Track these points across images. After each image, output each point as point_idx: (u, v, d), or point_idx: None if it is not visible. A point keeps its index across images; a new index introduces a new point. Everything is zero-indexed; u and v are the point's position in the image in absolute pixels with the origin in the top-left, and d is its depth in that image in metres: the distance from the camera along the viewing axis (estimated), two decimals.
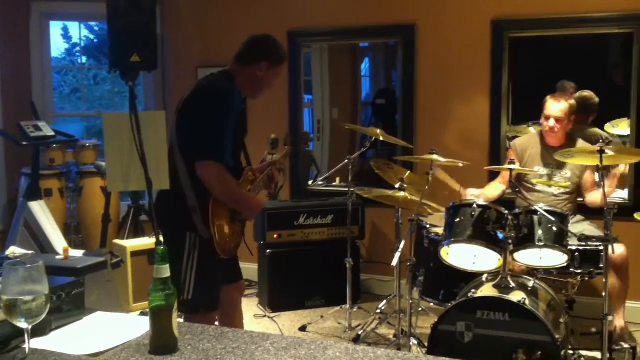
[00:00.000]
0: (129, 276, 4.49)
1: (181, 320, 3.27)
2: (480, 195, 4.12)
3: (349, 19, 5.33)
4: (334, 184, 5.75)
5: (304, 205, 5.03)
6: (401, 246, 3.69)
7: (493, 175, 4.58)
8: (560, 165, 4.13)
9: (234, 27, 5.53)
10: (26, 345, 1.61)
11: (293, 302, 4.90)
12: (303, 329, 4.50)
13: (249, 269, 5.11)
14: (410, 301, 3.73)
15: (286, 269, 4.90)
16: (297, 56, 5.57)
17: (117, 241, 4.75)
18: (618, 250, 3.80)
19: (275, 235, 4.87)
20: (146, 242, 4.61)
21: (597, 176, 3.73)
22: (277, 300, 4.88)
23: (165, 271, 1.70)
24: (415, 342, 3.79)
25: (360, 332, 4.25)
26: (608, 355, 3.42)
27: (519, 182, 4.26)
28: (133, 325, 1.86)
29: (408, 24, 5.11)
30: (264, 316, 4.74)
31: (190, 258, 2.91)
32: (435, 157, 3.69)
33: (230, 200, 2.96)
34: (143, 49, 4.47)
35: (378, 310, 4.42)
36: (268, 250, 4.87)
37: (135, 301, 4.49)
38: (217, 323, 3.06)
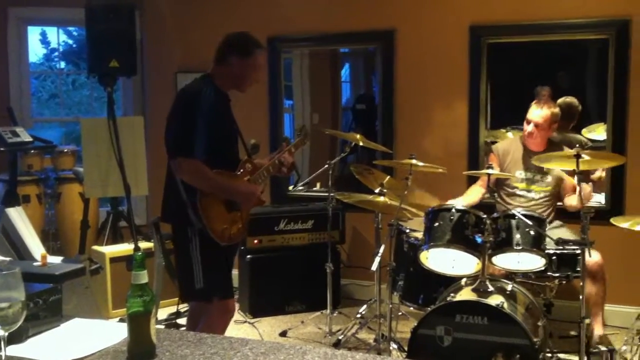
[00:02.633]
0: (108, 283, 4.46)
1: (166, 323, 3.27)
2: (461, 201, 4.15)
3: (329, 25, 5.35)
4: (314, 189, 5.76)
5: (284, 210, 5.03)
6: (381, 251, 3.70)
7: (471, 180, 4.61)
8: (542, 170, 4.16)
9: (214, 32, 5.43)
10: (2, 353, 1.59)
11: (273, 308, 4.90)
12: (283, 334, 4.49)
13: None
14: (390, 305, 3.74)
15: (267, 274, 4.90)
16: (277, 61, 5.58)
17: (96, 247, 4.72)
18: (593, 257, 3.83)
19: (256, 241, 4.86)
20: (125, 248, 4.58)
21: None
22: (257, 306, 4.87)
23: (143, 277, 1.69)
24: (395, 346, 3.80)
25: (340, 337, 4.25)
26: (585, 359, 3.46)
27: (499, 186, 4.30)
28: (111, 332, 1.85)
29: (387, 30, 5.13)
30: (244, 322, 4.73)
31: (195, 249, 3.11)
32: (414, 161, 3.71)
33: (214, 191, 3.11)
34: (122, 55, 4.47)
35: (358, 315, 4.42)
36: (248, 256, 4.86)
37: (115, 307, 4.46)
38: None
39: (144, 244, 4.48)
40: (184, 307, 4.69)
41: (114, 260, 4.50)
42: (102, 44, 4.37)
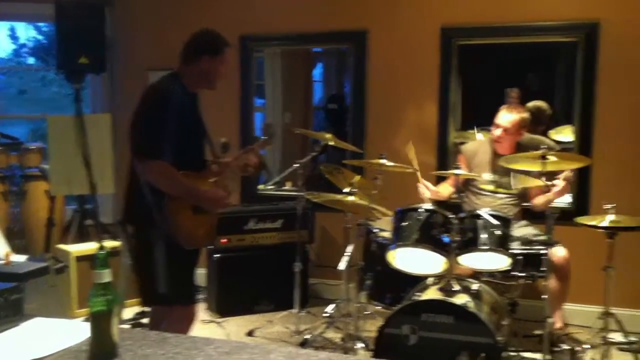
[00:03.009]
0: (73, 282, 4.41)
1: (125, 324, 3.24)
2: (434, 191, 4.18)
3: (301, 25, 5.35)
4: (284, 188, 5.76)
5: (253, 209, 5.02)
6: (349, 250, 3.71)
7: (440, 180, 4.64)
8: (508, 173, 4.21)
9: (185, 30, 5.41)
10: None
11: (241, 307, 4.88)
12: (250, 333, 4.49)
13: (197, 273, 5.07)
14: (358, 305, 3.75)
15: (234, 273, 4.88)
16: (249, 60, 5.57)
17: (61, 246, 4.66)
18: (559, 252, 3.91)
19: (224, 240, 4.84)
20: (91, 247, 4.53)
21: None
22: (225, 305, 4.85)
23: (106, 276, 1.67)
24: (361, 345, 3.82)
25: (307, 336, 4.26)
26: (549, 357, 3.51)
27: (466, 186, 4.34)
28: (73, 331, 1.83)
29: (359, 30, 5.15)
30: (211, 321, 4.71)
31: (159, 253, 3.01)
32: (383, 161, 3.73)
33: (180, 194, 3.02)
34: (91, 51, 4.43)
35: (326, 314, 4.43)
36: (216, 255, 4.84)
37: (80, 307, 4.41)
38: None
39: (110, 243, 4.43)
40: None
41: (80, 259, 4.44)
42: (72, 40, 4.32)
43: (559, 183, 3.84)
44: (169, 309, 3.13)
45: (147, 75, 5.60)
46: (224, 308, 4.85)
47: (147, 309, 4.50)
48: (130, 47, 5.88)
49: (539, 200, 4.19)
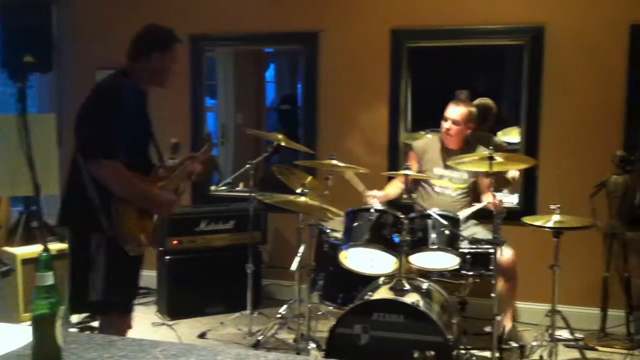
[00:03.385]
0: (19, 285, 4.29)
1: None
2: (382, 196, 4.22)
3: (253, 25, 5.33)
4: (237, 189, 5.73)
5: (205, 210, 4.97)
6: (301, 251, 3.72)
7: (391, 178, 4.68)
8: (457, 168, 4.27)
9: (135, 29, 5.35)
10: None
11: (193, 309, 4.83)
12: (202, 336, 4.45)
13: (147, 275, 4.97)
14: (310, 305, 3.76)
15: (186, 275, 4.84)
16: (200, 60, 5.52)
17: (7, 249, 4.53)
18: (506, 254, 3.97)
19: (175, 242, 4.79)
20: (38, 249, 4.42)
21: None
22: (176, 308, 4.80)
23: (49, 279, 1.63)
24: (313, 345, 3.82)
25: (260, 338, 4.24)
26: (498, 354, 3.58)
27: (418, 183, 4.39)
28: (15, 335, 1.78)
29: (311, 31, 5.16)
30: (162, 324, 4.66)
31: (96, 259, 2.88)
32: (334, 162, 3.74)
33: (131, 196, 2.91)
34: (37, 50, 4.33)
35: (278, 315, 4.43)
36: (167, 257, 4.78)
37: (26, 310, 4.29)
38: None
39: (57, 245, 4.33)
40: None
41: (26, 261, 4.32)
42: (17, 39, 4.23)
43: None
44: (106, 318, 3.00)
45: (96, 75, 5.52)
46: (175, 310, 4.80)
47: None
48: (78, 45, 5.77)
49: (488, 199, 4.24)
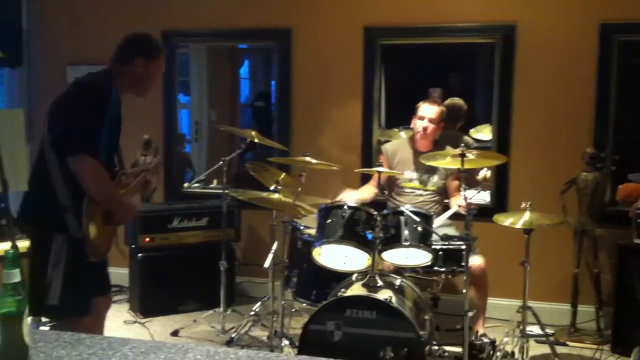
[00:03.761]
0: None
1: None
2: (357, 199, 4.22)
3: (226, 21, 5.30)
4: (210, 186, 5.70)
5: (177, 207, 4.94)
6: (274, 248, 3.71)
7: (365, 177, 4.70)
8: (428, 170, 4.29)
9: (107, 24, 5.36)
10: None
11: (165, 307, 4.80)
12: (175, 333, 4.42)
13: (120, 273, 4.97)
14: (283, 302, 3.75)
15: (159, 273, 4.80)
16: (172, 56, 5.47)
17: None
18: (477, 261, 3.98)
19: (148, 239, 4.75)
20: (6, 246, 4.36)
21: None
22: (148, 306, 4.76)
23: (15, 276, 1.61)
24: (287, 342, 3.82)
25: (233, 335, 4.23)
26: (469, 350, 3.60)
27: (390, 185, 4.40)
28: None
29: (284, 28, 5.15)
30: (135, 322, 4.62)
31: (57, 261, 2.80)
32: (307, 159, 3.74)
33: (105, 198, 2.86)
34: (7, 45, 4.27)
35: (252, 313, 4.41)
36: (140, 254, 4.75)
37: None
38: None
39: (26, 242, 4.27)
40: None
41: None
42: None
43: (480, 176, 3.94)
44: (63, 322, 2.89)
45: (66, 70, 5.46)
46: (147, 308, 4.76)
47: None
48: (49, 41, 5.69)
49: (456, 202, 4.24)
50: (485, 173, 3.97)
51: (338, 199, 4.18)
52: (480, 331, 4.14)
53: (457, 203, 4.03)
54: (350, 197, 4.16)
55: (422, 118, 4.29)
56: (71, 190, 2.78)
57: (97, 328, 3.08)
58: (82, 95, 2.89)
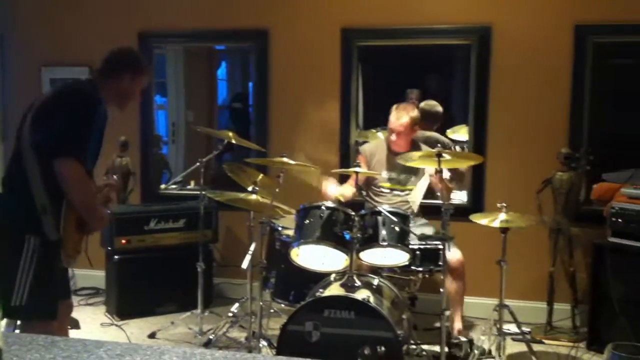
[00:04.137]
0: None
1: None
2: (338, 192, 4.24)
3: (203, 22, 5.27)
4: (188, 187, 5.67)
5: (154, 209, 4.91)
6: (252, 249, 3.70)
7: (343, 178, 4.71)
8: (406, 170, 4.31)
9: (82, 25, 5.32)
10: None
11: (143, 309, 4.77)
12: (152, 335, 4.39)
13: (96, 276, 4.94)
14: (262, 303, 3.74)
15: (135, 275, 4.77)
16: (148, 57, 5.41)
17: None
18: (455, 255, 4.02)
19: (124, 241, 4.71)
20: None
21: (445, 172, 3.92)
22: (125, 308, 4.73)
23: None
24: (265, 343, 3.81)
25: (211, 337, 4.21)
26: (447, 349, 3.63)
27: (367, 186, 4.42)
28: None
29: (261, 29, 5.14)
30: (111, 324, 4.58)
31: (28, 263, 2.78)
32: (285, 160, 3.74)
33: (83, 205, 2.86)
34: None
35: (230, 314, 4.40)
36: (116, 257, 4.71)
37: None
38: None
39: None
40: None
41: None
42: None
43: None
44: (29, 324, 2.88)
45: (41, 71, 5.40)
46: (124, 310, 4.73)
47: None
48: (23, 41, 5.62)
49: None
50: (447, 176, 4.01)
51: (322, 188, 4.20)
52: (458, 325, 4.16)
53: (428, 173, 4.02)
54: (333, 188, 4.18)
55: (391, 131, 4.32)
56: (50, 192, 2.78)
57: (63, 332, 3.08)
58: (75, 100, 2.92)
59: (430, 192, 4.39)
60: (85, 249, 3.04)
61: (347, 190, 4.37)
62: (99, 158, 3.06)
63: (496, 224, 3.64)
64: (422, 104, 5.26)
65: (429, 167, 4.01)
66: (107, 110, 2.97)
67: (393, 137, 4.31)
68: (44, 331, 2.82)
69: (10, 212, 2.88)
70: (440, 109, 5.36)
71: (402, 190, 4.37)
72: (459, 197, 4.97)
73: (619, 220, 4.01)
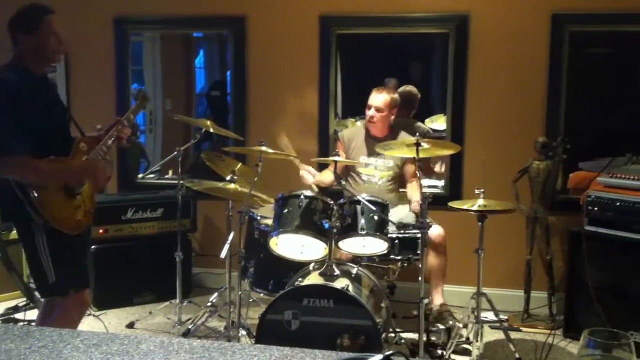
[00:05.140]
0: None
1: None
2: (315, 175, 4.25)
3: (179, 8, 5.22)
4: (166, 176, 5.63)
5: (132, 198, 4.87)
6: (230, 238, 3.68)
7: (322, 167, 4.70)
8: (383, 155, 4.32)
9: (56, 11, 5.22)
10: None
11: (121, 299, 4.75)
12: (130, 325, 4.37)
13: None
14: (240, 293, 3.73)
15: (113, 265, 4.73)
16: (124, 44, 5.37)
17: None
18: (437, 230, 4.09)
19: (101, 231, 4.67)
20: None
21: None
22: (103, 298, 4.69)
23: None
24: (244, 332, 3.80)
25: (190, 326, 4.20)
26: (425, 337, 3.65)
27: (347, 172, 4.42)
28: None
29: (238, 16, 5.10)
30: (89, 314, 4.54)
31: (41, 243, 2.94)
32: (263, 148, 3.72)
33: (50, 180, 2.91)
34: None
35: (209, 304, 4.38)
36: (93, 246, 4.65)
37: None
38: None
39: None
40: (22, 301, 4.46)
41: None
42: None
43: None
44: (63, 298, 3.05)
45: None
46: (102, 300, 4.69)
47: (21, 303, 4.37)
48: None
49: (411, 189, 4.29)
50: (439, 168, 4.03)
51: (300, 173, 4.20)
52: (437, 301, 4.20)
53: (414, 200, 4.06)
54: (311, 174, 4.19)
55: (369, 107, 4.34)
56: (16, 183, 2.87)
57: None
58: None
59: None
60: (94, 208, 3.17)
61: (326, 177, 4.37)
62: (54, 128, 3.01)
63: (475, 207, 3.65)
64: (400, 89, 5.27)
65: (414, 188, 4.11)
66: (22, 84, 2.89)
67: (371, 113, 4.31)
68: (78, 301, 3.11)
69: (8, 207, 3.05)
70: (416, 93, 5.37)
71: (380, 177, 4.38)
72: (437, 184, 4.99)
73: (595, 208, 4.05)
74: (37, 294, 3.49)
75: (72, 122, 3.21)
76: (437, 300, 4.23)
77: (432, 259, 4.13)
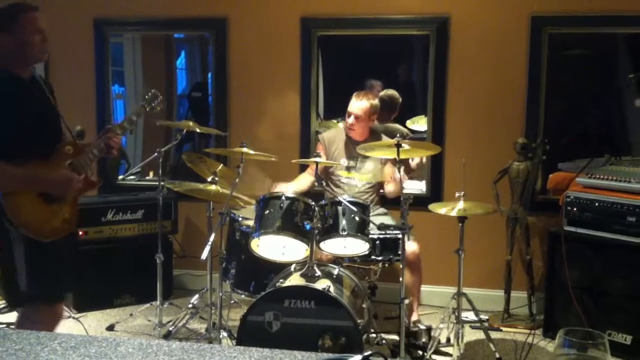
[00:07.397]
0: None
1: None
2: (290, 186, 4.25)
3: (160, 9, 5.20)
4: (147, 178, 5.60)
5: (112, 200, 4.84)
6: (211, 239, 3.67)
7: (303, 168, 4.70)
8: (363, 159, 4.34)
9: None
10: None
11: (101, 301, 4.72)
12: (110, 328, 4.34)
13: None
14: (222, 294, 3.72)
15: (93, 267, 4.70)
16: (104, 45, 5.34)
17: None
18: (411, 247, 4.03)
19: (81, 233, 4.63)
20: None
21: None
22: (83, 300, 4.66)
23: None
24: (225, 334, 3.79)
25: (171, 328, 4.18)
26: (406, 337, 3.65)
27: (327, 175, 4.42)
28: None
29: (219, 17, 5.09)
30: (69, 317, 4.50)
31: (18, 251, 2.86)
32: (245, 150, 3.71)
33: (22, 187, 2.84)
34: None
35: (190, 305, 4.37)
36: None
37: None
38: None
39: None
40: (1, 304, 4.41)
41: None
42: None
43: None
44: (34, 308, 2.95)
45: None
46: (82, 303, 4.66)
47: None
48: None
49: (389, 187, 4.34)
50: (418, 160, 4.04)
51: (275, 188, 4.19)
52: (414, 317, 4.20)
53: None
54: (286, 189, 4.17)
55: (349, 114, 4.35)
56: None
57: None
58: None
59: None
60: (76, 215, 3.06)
61: (303, 183, 4.37)
62: (33, 130, 2.94)
63: (454, 213, 3.67)
64: (382, 93, 5.29)
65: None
66: (6, 80, 2.87)
67: (351, 120, 4.33)
68: (48, 314, 2.96)
69: None
70: (398, 97, 5.39)
71: (360, 180, 4.39)
72: (418, 187, 5.01)
73: (574, 209, 4.09)
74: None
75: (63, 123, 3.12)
76: (413, 317, 4.20)
77: (406, 277, 3.90)
